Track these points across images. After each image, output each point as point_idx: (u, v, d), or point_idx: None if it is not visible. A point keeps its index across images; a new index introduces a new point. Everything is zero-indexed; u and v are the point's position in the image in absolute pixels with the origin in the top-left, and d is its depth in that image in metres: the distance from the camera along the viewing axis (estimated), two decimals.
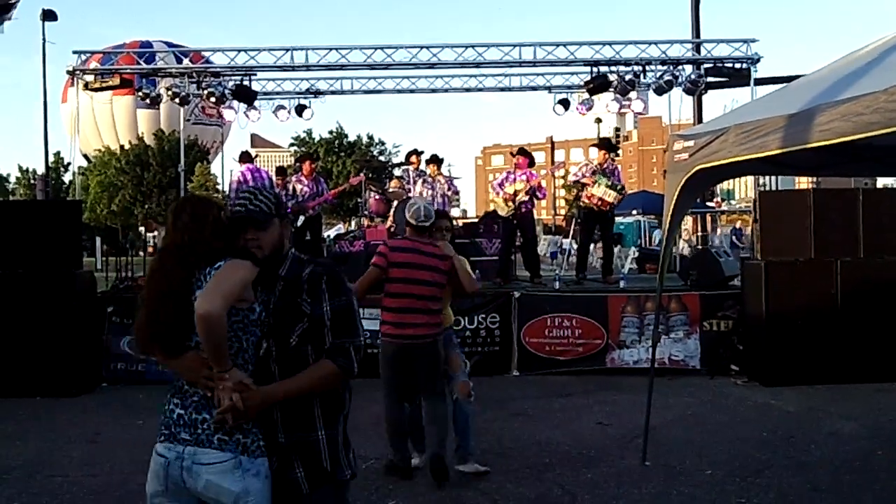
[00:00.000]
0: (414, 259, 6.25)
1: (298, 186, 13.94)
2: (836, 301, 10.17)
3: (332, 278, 3.22)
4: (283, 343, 3.17)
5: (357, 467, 3.38)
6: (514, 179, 12.87)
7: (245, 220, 3.18)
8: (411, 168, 14.57)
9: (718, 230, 30.37)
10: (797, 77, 7.85)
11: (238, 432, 2.99)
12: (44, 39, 25.68)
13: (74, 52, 14.24)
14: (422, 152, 14.72)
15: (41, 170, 32.07)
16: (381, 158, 56.33)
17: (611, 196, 12.68)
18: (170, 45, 36.45)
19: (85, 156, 51.73)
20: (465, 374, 6.71)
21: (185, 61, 16.42)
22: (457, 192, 14.98)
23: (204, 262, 3.06)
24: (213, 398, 2.99)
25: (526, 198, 12.76)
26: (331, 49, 14.15)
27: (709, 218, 27.31)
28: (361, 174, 15.08)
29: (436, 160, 14.11)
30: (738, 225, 36.78)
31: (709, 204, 26.51)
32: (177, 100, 15.08)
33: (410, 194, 13.48)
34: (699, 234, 20.99)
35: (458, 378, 6.61)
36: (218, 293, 2.91)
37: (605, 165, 13.06)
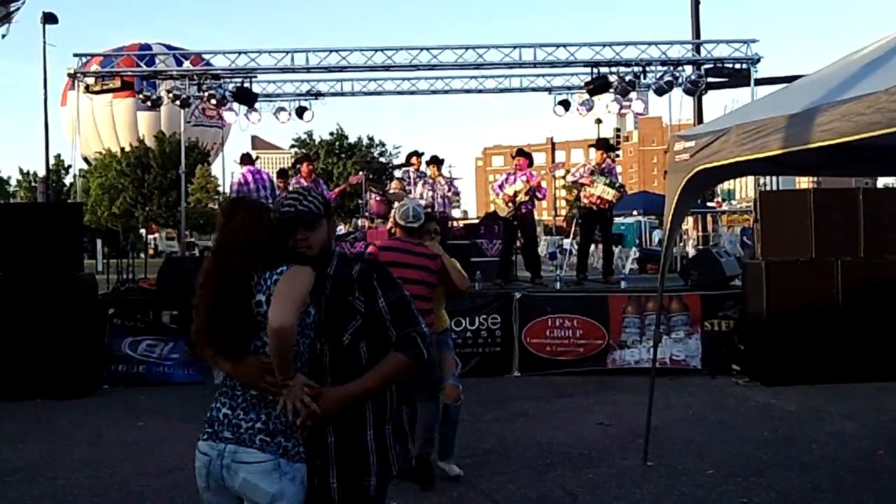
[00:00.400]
0: (404, 259, 6.20)
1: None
2: (837, 301, 10.17)
3: (381, 274, 3.29)
4: (335, 342, 3.20)
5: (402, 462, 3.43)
6: (514, 180, 12.88)
7: (295, 221, 3.21)
8: (412, 169, 14.58)
9: (728, 230, 30.36)
10: (798, 77, 7.87)
11: (280, 435, 3.01)
12: (44, 42, 25.68)
13: (75, 55, 14.24)
14: (422, 154, 14.74)
15: (42, 172, 32.07)
16: (382, 160, 56.33)
17: (609, 194, 12.70)
18: (169, 47, 36.46)
19: (85, 158, 51.73)
20: (455, 378, 6.65)
21: (186, 63, 16.44)
22: (457, 193, 14.99)
23: (262, 263, 3.09)
24: (269, 401, 3.02)
25: (526, 198, 12.77)
26: (331, 51, 14.16)
27: (710, 218, 27.32)
28: (361, 173, 15.08)
29: (436, 161, 14.12)
30: (748, 224, 36.69)
31: (709, 204, 26.49)
32: (178, 102, 15.08)
33: (411, 195, 13.50)
34: (700, 233, 21.01)
35: (447, 380, 6.56)
36: (289, 304, 2.95)
37: (604, 165, 13.09)
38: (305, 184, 13.98)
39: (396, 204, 6.70)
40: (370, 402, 3.23)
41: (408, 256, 6.25)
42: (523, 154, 13.59)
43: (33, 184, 55.08)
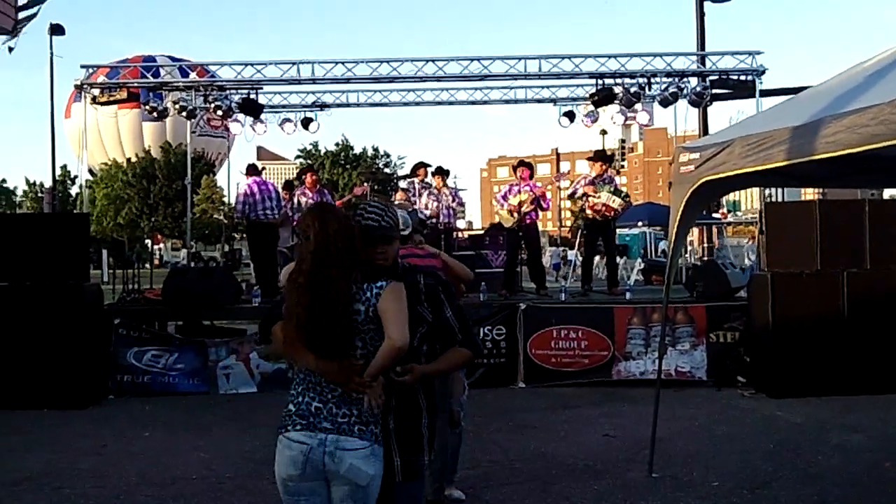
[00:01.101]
0: (418, 262, 6.23)
1: (303, 199, 13.96)
2: (842, 312, 10.14)
3: (445, 288, 3.71)
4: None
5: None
6: (518, 191, 12.90)
7: (378, 235, 3.52)
8: (416, 180, 14.59)
9: (750, 241, 30.31)
10: (803, 89, 7.87)
11: (372, 424, 3.34)
12: (51, 54, 25.88)
13: (82, 67, 14.27)
14: (429, 165, 14.75)
15: (48, 183, 32.20)
16: (387, 170, 56.46)
17: (615, 202, 12.70)
18: (173, 59, 36.60)
19: (90, 169, 51.89)
20: (458, 404, 6.45)
21: (192, 75, 16.48)
22: (462, 204, 14.97)
23: (358, 272, 3.39)
24: (355, 396, 3.32)
25: (531, 208, 12.79)
26: (337, 63, 14.19)
27: (715, 229, 27.30)
28: (365, 184, 15.10)
29: (441, 172, 14.12)
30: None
31: (714, 215, 26.47)
32: (184, 113, 15.13)
33: (416, 206, 13.50)
34: (706, 245, 20.99)
35: (452, 405, 6.38)
36: (406, 324, 3.32)
37: (604, 176, 13.11)
38: (310, 194, 14.01)
39: None
40: (423, 393, 3.62)
41: (417, 261, 6.14)
42: (525, 165, 13.61)
43: (39, 194, 55.28)
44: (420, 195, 14.04)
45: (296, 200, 14.06)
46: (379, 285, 3.36)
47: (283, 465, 3.36)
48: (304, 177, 14.94)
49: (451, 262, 6.52)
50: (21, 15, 11.96)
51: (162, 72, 16.72)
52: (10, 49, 12.68)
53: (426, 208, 13.39)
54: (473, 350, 3.78)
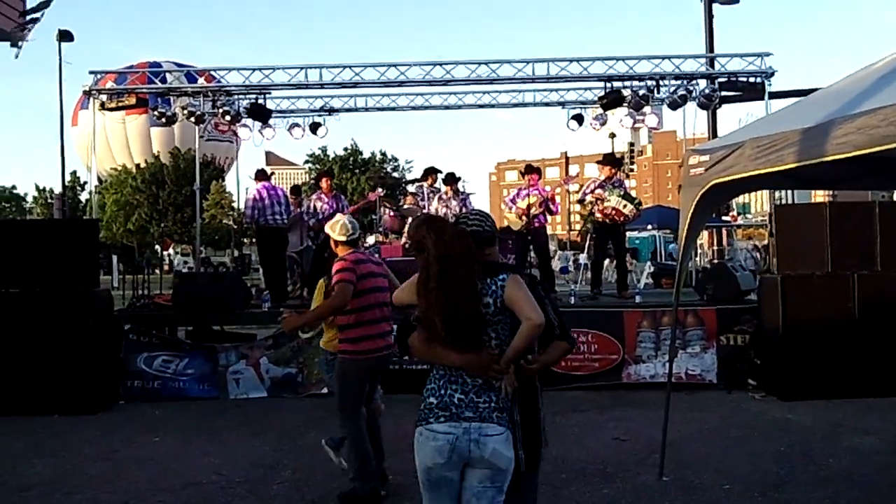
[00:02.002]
0: (377, 269, 6.47)
1: (319, 204, 13.94)
2: (853, 314, 10.11)
3: (542, 284, 4.12)
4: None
5: None
6: (527, 195, 12.89)
7: (486, 238, 4.01)
8: (426, 185, 14.60)
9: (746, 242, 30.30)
10: (812, 91, 7.84)
11: (506, 412, 3.70)
12: (60, 59, 25.90)
13: (91, 73, 14.31)
14: (439, 171, 14.76)
15: (58, 189, 32.29)
16: (395, 175, 56.50)
17: (626, 207, 12.67)
18: (179, 65, 36.63)
19: (98, 176, 52.01)
20: (378, 393, 6.96)
21: (201, 80, 16.49)
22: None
23: (480, 269, 3.76)
24: (491, 384, 3.69)
25: (540, 211, 12.78)
26: (345, 67, 14.19)
27: (725, 232, 27.24)
28: (379, 190, 15.10)
29: (452, 180, 14.11)
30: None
31: (724, 218, 26.42)
32: (192, 119, 15.15)
33: (425, 211, 13.51)
34: (716, 247, 20.94)
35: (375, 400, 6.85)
36: (537, 305, 3.69)
37: (613, 180, 13.09)
38: (326, 199, 14.00)
39: (329, 223, 6.66)
40: (539, 387, 4.05)
41: (373, 266, 6.51)
42: (534, 169, 13.61)
43: (49, 200, 55.47)
44: (429, 200, 14.04)
45: (312, 205, 14.04)
46: (501, 278, 3.76)
47: (428, 455, 3.67)
48: (320, 182, 14.93)
49: (390, 277, 6.67)
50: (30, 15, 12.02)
51: (169, 77, 16.74)
52: (15, 56, 12.74)
53: (435, 213, 13.39)
54: (570, 342, 4.16)
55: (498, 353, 3.67)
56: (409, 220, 14.61)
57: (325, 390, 10.56)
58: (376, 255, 6.68)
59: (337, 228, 6.45)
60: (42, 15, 12.80)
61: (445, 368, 3.73)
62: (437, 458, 3.64)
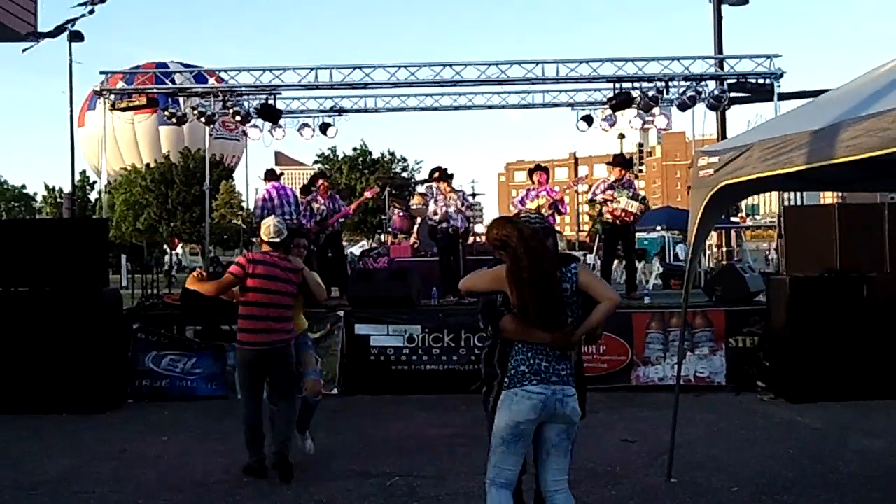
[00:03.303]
0: (269, 271, 6.96)
1: (315, 206, 13.95)
2: (862, 316, 10.08)
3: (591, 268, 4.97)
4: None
5: None
6: (536, 195, 12.87)
7: (547, 232, 4.80)
8: (434, 185, 14.58)
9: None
10: (822, 92, 7.82)
11: (573, 376, 4.54)
12: (70, 60, 25.89)
13: (101, 73, 14.36)
14: (445, 170, 14.71)
15: (67, 188, 32.33)
16: (404, 175, 56.45)
17: (633, 206, 12.66)
18: (185, 65, 36.65)
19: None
20: (316, 373, 7.89)
21: (211, 81, 16.52)
22: (471, 207, 14.68)
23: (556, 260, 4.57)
24: (565, 354, 4.50)
25: (549, 212, 12.75)
26: (355, 68, 14.21)
27: (734, 233, 27.19)
28: (375, 187, 15.10)
29: (445, 177, 13.98)
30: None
31: (733, 219, 26.37)
32: (202, 119, 15.18)
33: (430, 210, 13.48)
34: (725, 249, 20.89)
35: (309, 376, 7.67)
36: (610, 286, 4.73)
37: (623, 181, 13.06)
38: (323, 200, 14.00)
39: (261, 223, 7.35)
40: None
41: (275, 269, 7.02)
42: (542, 169, 13.58)
43: (59, 199, 55.53)
44: (437, 200, 14.00)
45: (308, 207, 14.04)
46: (573, 267, 4.54)
47: (522, 411, 4.36)
48: (317, 183, 14.91)
49: (309, 281, 7.29)
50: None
51: (179, 78, 16.77)
52: (23, 49, 12.79)
53: (434, 214, 13.33)
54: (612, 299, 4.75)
55: (573, 329, 4.46)
56: (419, 220, 14.63)
57: (334, 391, 10.59)
58: (298, 261, 7.27)
59: (262, 229, 7.15)
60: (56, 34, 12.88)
61: (531, 343, 4.42)
62: (530, 413, 4.35)
